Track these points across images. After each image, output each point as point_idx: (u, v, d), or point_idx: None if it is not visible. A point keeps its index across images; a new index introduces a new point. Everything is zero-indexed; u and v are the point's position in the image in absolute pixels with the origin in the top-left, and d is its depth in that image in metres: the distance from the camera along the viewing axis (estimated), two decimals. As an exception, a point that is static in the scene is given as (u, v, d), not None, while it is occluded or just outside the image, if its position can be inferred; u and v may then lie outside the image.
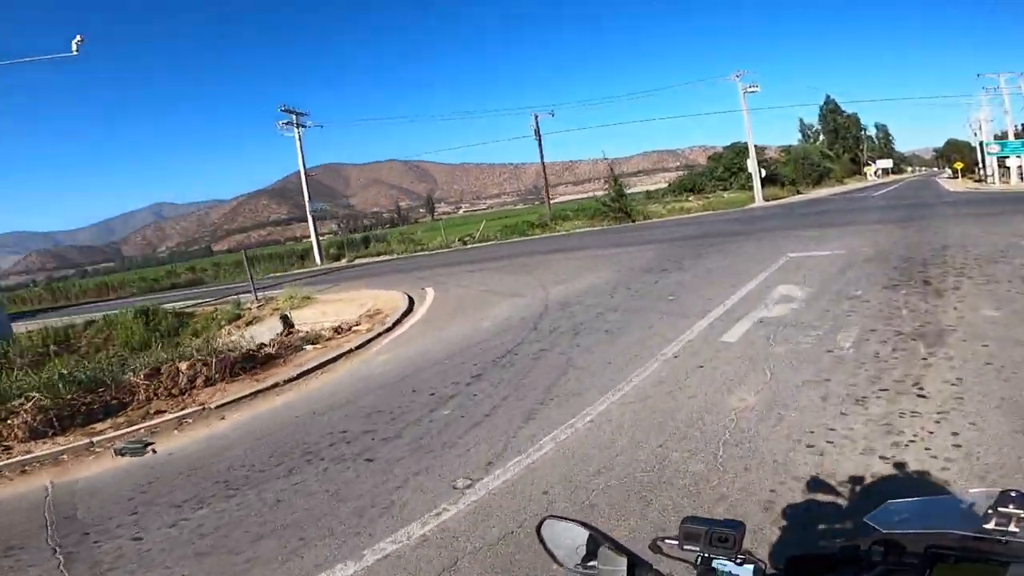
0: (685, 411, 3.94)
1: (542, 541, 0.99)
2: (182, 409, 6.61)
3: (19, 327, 19.54)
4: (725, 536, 0.79)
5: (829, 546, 1.27)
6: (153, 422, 6.26)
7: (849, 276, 7.81)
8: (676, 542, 0.84)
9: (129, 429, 6.07)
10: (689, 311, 7.08)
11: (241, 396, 6.75)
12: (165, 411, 6.64)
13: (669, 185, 64.34)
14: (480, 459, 3.72)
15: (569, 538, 0.96)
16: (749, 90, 33.85)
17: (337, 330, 11.85)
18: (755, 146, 36.28)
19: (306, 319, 13.78)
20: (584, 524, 0.96)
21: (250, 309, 15.00)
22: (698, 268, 10.18)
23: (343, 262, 28.75)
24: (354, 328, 11.13)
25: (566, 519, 0.98)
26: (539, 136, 34.19)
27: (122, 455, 5.28)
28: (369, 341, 9.26)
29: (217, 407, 6.49)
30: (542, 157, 35.27)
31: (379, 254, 28.96)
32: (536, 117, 34.06)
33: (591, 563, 0.91)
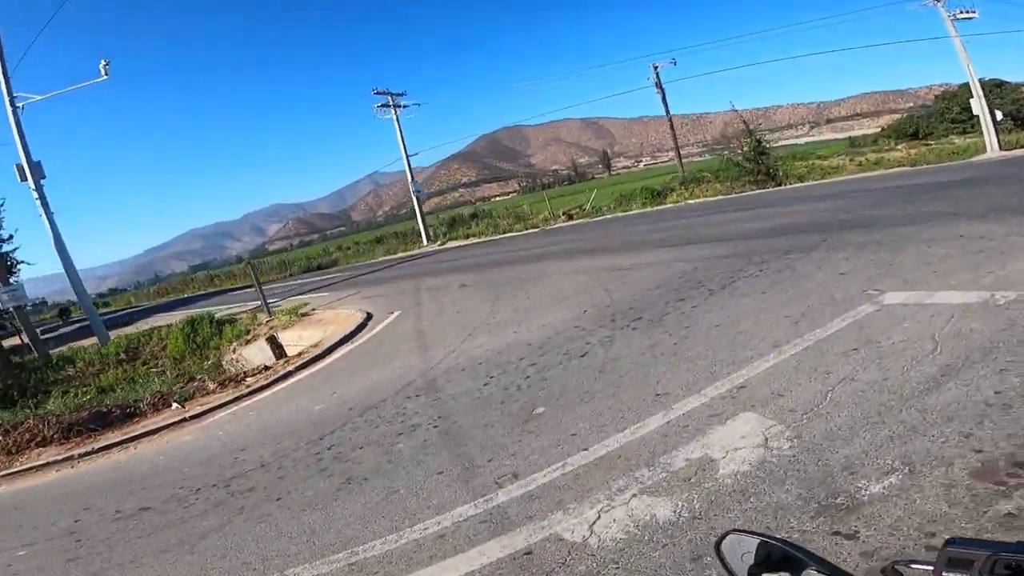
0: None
1: (721, 558, 0.88)
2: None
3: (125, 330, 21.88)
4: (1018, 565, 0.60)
5: None
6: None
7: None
8: (929, 568, 0.67)
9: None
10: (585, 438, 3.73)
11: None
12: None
13: (883, 130, 50.06)
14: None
15: (755, 555, 0.82)
16: (960, 16, 23.14)
17: (267, 367, 10.26)
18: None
19: (285, 341, 12.49)
20: (782, 540, 0.83)
21: (260, 324, 14.25)
22: (698, 321, 5.65)
23: (435, 245, 27.25)
24: (281, 363, 10.08)
25: (756, 533, 0.86)
26: (661, 89, 27.83)
27: None
28: (253, 392, 8.54)
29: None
30: (667, 109, 28.83)
31: (467, 237, 26.66)
32: (656, 68, 27.68)
33: None
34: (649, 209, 22.11)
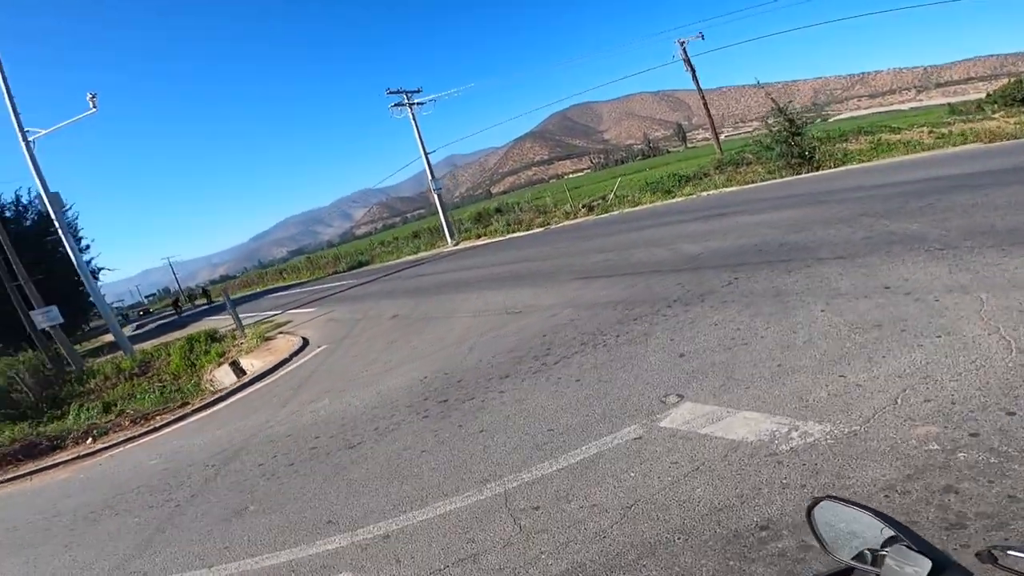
0: None
1: (811, 524, 0.89)
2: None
3: (148, 343, 23.38)
4: None
5: None
6: None
7: None
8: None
9: None
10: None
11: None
12: None
13: (989, 96, 42.74)
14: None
15: (849, 526, 0.82)
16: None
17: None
18: None
19: (246, 364, 12.80)
20: (877, 513, 0.81)
21: (234, 347, 14.69)
22: (478, 417, 4.83)
23: (449, 246, 26.77)
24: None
25: (852, 503, 0.84)
26: (691, 66, 24.88)
27: None
28: (150, 432, 8.64)
29: None
30: (698, 85, 25.75)
31: (478, 236, 25.83)
32: (683, 44, 24.70)
33: (876, 558, 0.74)
34: (650, 205, 20.13)
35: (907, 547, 0.73)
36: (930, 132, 24.91)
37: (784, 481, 2.61)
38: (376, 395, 6.29)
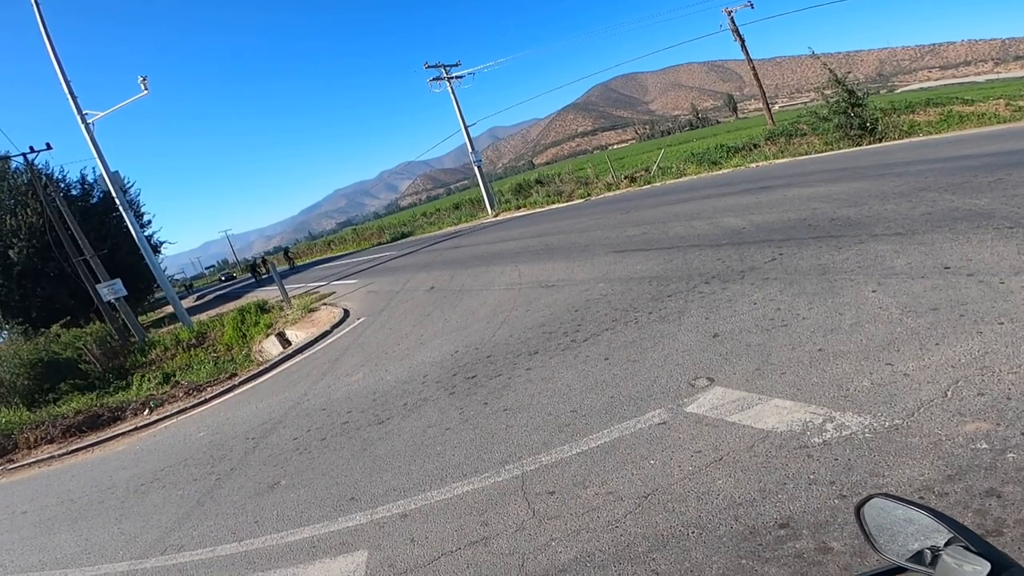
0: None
1: (861, 521, 0.84)
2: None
3: (205, 314, 24.43)
4: None
5: None
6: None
7: None
8: None
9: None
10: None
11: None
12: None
13: None
14: None
15: (902, 525, 0.78)
16: None
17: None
18: None
19: (291, 335, 13.25)
20: (932, 511, 0.77)
21: (280, 318, 15.19)
22: (505, 395, 4.82)
23: (489, 217, 26.65)
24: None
25: (905, 501, 0.80)
26: (740, 36, 23.22)
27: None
28: (201, 403, 9.21)
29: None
30: (748, 55, 24.09)
31: (518, 208, 25.55)
32: (731, 14, 23.02)
33: (930, 558, 0.71)
34: (695, 177, 19.29)
35: (965, 547, 0.69)
36: (1007, 104, 22.75)
37: (812, 476, 2.45)
38: (407, 369, 6.37)
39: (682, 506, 2.54)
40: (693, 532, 2.34)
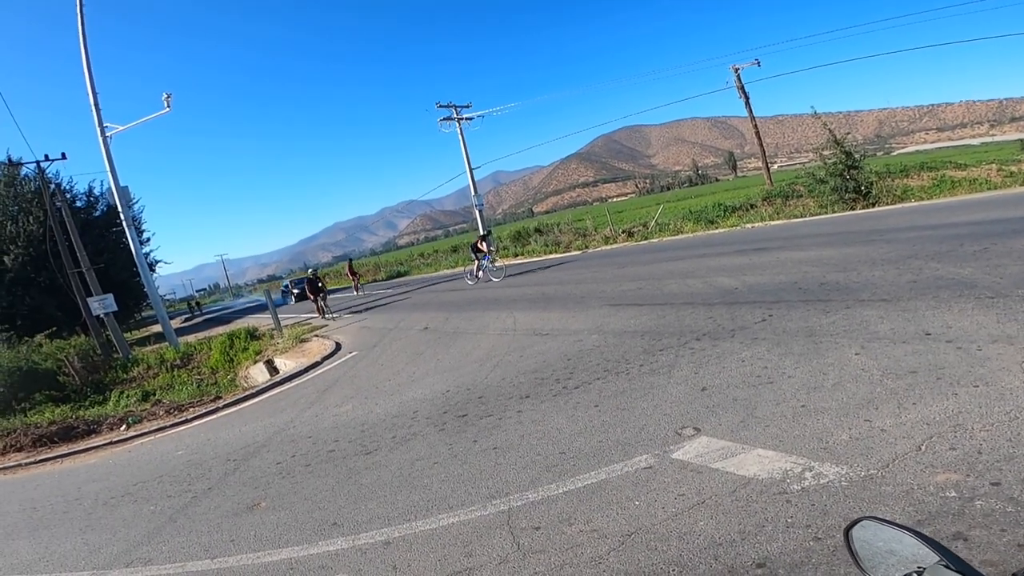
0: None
1: (849, 544, 0.85)
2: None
3: (192, 336, 24.30)
4: None
5: None
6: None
7: None
8: None
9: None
10: None
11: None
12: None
13: None
14: None
15: (889, 546, 0.79)
16: None
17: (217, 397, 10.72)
18: None
19: (280, 364, 13.17)
20: (916, 533, 0.78)
21: (270, 346, 15.14)
22: (494, 435, 4.87)
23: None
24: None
25: (892, 523, 0.81)
26: (744, 93, 24.41)
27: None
28: (181, 423, 9.07)
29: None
30: (751, 113, 25.22)
31: (515, 256, 25.96)
32: (737, 71, 24.29)
33: None
34: (691, 235, 19.80)
35: (946, 567, 0.71)
36: (999, 170, 23.66)
37: (790, 520, 2.52)
38: (398, 405, 6.39)
39: (664, 545, 2.59)
40: (674, 570, 2.39)
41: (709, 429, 3.83)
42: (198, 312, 45.48)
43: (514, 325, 9.27)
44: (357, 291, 26.36)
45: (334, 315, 17.31)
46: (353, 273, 28.57)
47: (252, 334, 17.24)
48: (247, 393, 9.69)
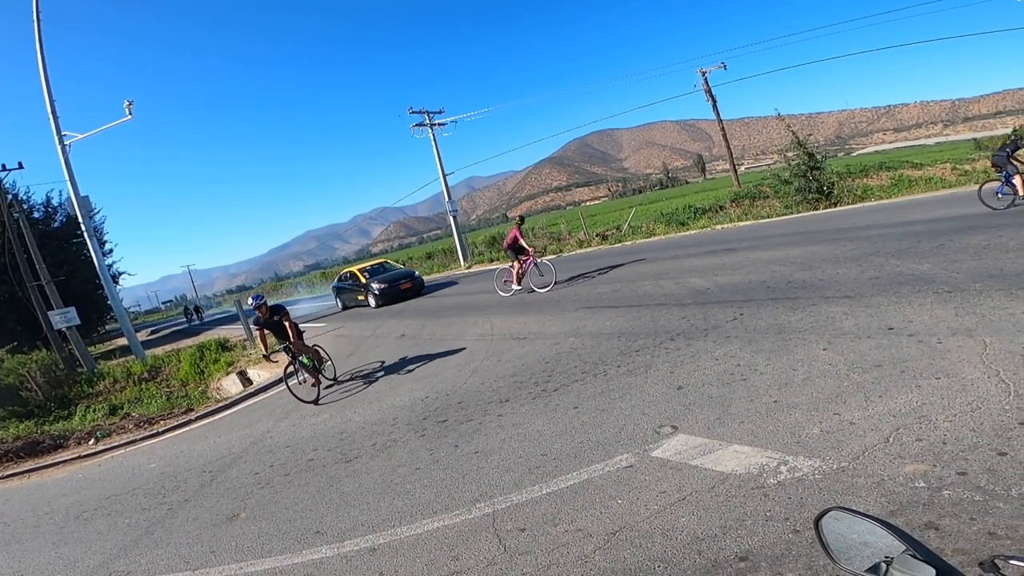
0: None
1: (819, 534, 0.87)
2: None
3: (160, 348, 23.61)
4: None
5: None
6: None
7: None
8: None
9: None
10: None
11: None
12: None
13: (1017, 129, 42.23)
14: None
15: (858, 536, 0.82)
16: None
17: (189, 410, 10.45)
18: None
19: (252, 375, 12.91)
20: (883, 523, 0.81)
21: (242, 357, 14.83)
22: (475, 439, 4.86)
23: (461, 268, 27.01)
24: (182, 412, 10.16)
25: (860, 514, 0.85)
26: (712, 97, 25.05)
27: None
28: (153, 436, 8.84)
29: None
30: (718, 116, 25.90)
31: (491, 261, 26.04)
32: (705, 75, 24.94)
33: (883, 569, 0.75)
34: (664, 237, 20.15)
35: (912, 556, 0.73)
36: (953, 169, 24.75)
37: (768, 514, 2.61)
38: (377, 412, 6.35)
39: (648, 542, 2.65)
40: (659, 566, 2.45)
41: (687, 427, 3.92)
42: (196, 320, 39.46)
43: (491, 330, 9.29)
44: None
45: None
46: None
47: (223, 345, 16.86)
48: (220, 405, 9.47)
